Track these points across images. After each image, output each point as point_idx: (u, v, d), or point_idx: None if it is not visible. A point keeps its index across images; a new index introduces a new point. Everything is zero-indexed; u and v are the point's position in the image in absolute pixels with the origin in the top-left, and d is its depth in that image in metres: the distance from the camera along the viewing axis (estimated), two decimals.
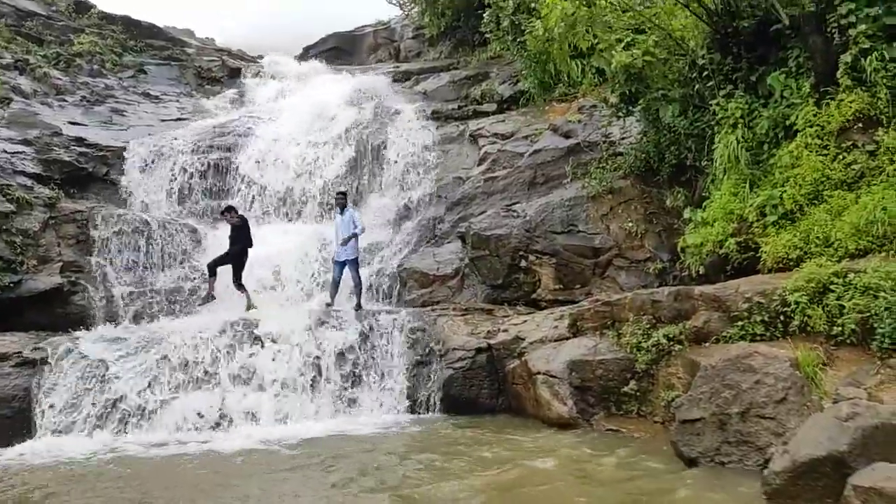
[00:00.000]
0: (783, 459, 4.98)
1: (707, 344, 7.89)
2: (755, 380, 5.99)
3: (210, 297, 11.70)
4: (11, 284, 11.36)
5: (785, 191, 8.83)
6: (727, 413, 6.00)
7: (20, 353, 9.41)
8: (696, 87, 10.53)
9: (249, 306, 11.53)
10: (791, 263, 8.33)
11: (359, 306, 11.36)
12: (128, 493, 6.45)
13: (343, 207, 12.03)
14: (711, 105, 9.99)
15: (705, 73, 10.30)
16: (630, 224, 11.54)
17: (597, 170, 12.26)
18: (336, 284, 11.78)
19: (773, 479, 4.97)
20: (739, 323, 7.67)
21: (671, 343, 8.02)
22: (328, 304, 11.53)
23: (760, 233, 8.99)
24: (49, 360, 9.38)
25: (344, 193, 12.40)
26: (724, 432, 5.99)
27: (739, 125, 9.54)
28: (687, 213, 10.47)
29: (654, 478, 6.05)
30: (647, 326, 8.30)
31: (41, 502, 6.18)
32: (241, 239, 11.93)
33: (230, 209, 12.24)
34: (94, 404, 9.04)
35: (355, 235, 11.75)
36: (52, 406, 8.97)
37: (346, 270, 11.79)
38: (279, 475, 6.90)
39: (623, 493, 5.67)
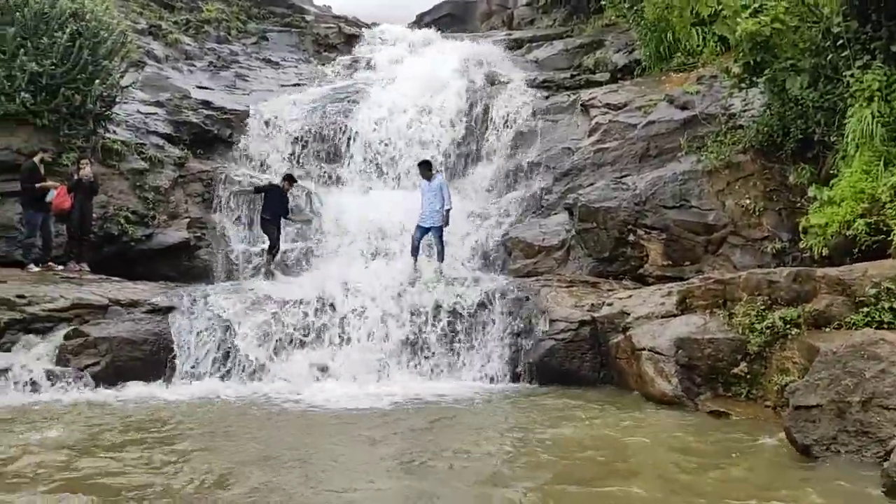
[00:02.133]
0: None
1: (827, 329, 7.54)
2: (880, 368, 5.67)
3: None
4: (143, 237, 12.25)
5: None
6: (847, 401, 5.72)
7: (150, 300, 10.14)
8: (829, 56, 9.87)
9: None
10: None
11: (440, 270, 11.56)
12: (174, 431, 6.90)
13: (429, 177, 12.08)
14: (845, 76, 9.37)
15: (840, 41, 9.64)
16: (748, 201, 11.04)
17: (714, 143, 11.77)
18: (416, 249, 11.92)
19: (893, 473, 4.74)
20: (865, 309, 7.29)
21: (788, 326, 7.71)
22: (415, 269, 11.68)
23: (894, 215, 8.42)
24: (182, 308, 10.10)
25: (428, 162, 12.42)
26: (843, 421, 5.71)
27: (876, 98, 8.91)
28: (812, 191, 9.91)
29: (763, 462, 5.88)
30: (762, 307, 7.99)
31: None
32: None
33: (291, 178, 12.63)
34: (217, 354, 9.72)
35: (448, 211, 11.86)
36: (184, 351, 9.66)
37: (430, 236, 11.98)
38: (370, 430, 7.18)
39: (728, 476, 5.55)
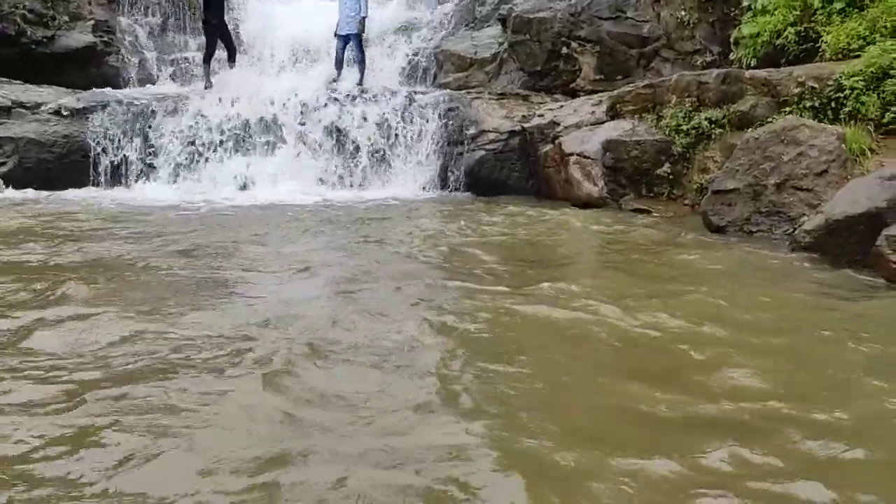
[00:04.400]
0: (816, 219, 4.99)
1: (749, 130, 7.69)
2: (798, 152, 5.86)
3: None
4: (45, 39, 11.22)
5: None
6: (763, 184, 5.94)
7: (58, 102, 9.48)
8: None
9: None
10: (851, 55, 7.85)
11: (360, 82, 11.06)
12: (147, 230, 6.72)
13: None
14: None
15: None
16: (683, 12, 10.83)
17: None
18: (340, 61, 11.38)
19: (802, 238, 5.01)
20: (787, 108, 7.41)
21: (712, 126, 7.84)
22: (334, 80, 11.19)
23: (824, 21, 8.41)
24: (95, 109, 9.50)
25: None
26: (757, 202, 5.96)
27: None
28: (747, 0, 9.78)
29: (674, 239, 6.12)
30: (690, 109, 8.06)
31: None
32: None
33: None
34: (135, 159, 9.29)
35: (363, 20, 11.21)
36: (98, 155, 9.20)
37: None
38: (302, 221, 7.16)
39: (648, 244, 5.78)
